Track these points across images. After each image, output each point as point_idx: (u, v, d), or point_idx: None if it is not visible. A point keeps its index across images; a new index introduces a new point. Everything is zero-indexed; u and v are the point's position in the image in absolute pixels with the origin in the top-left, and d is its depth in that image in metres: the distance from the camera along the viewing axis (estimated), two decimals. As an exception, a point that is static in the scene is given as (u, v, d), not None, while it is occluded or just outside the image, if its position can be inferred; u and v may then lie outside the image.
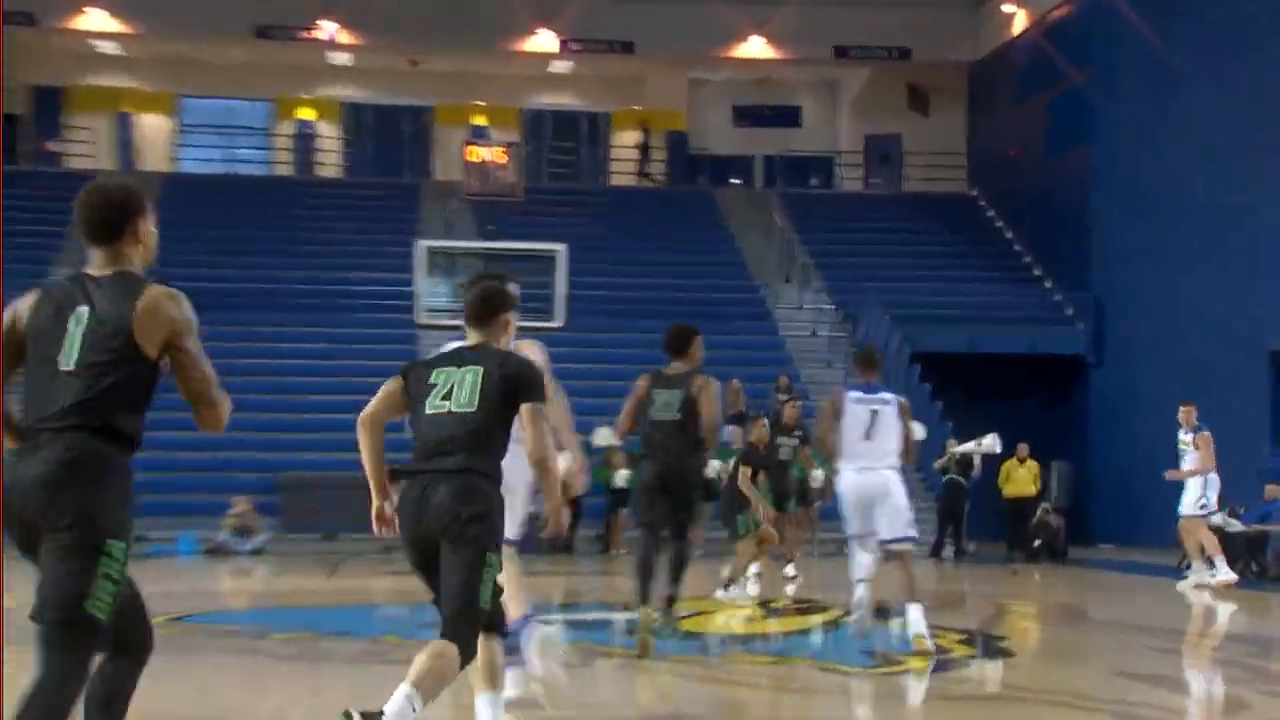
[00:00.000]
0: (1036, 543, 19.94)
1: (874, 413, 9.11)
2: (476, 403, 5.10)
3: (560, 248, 21.85)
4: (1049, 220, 27.01)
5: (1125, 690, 8.37)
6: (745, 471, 13.33)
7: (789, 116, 32.67)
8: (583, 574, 17.46)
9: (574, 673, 8.79)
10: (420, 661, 4.90)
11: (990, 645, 10.28)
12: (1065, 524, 20.46)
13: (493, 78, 31.76)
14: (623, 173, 32.37)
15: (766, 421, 14.38)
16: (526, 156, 30.26)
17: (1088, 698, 8.15)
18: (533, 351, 6.43)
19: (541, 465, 5.17)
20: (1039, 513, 20.27)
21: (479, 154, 28.20)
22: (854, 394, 9.24)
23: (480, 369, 5.17)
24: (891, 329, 24.23)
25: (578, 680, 8.57)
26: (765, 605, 12.54)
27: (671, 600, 9.25)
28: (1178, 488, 15.66)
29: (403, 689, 4.86)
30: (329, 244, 27.53)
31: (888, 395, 9.27)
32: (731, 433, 19.80)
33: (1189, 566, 15.52)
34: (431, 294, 21.77)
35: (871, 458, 9.10)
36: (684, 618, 11.04)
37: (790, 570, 14.58)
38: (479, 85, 31.91)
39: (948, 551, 20.01)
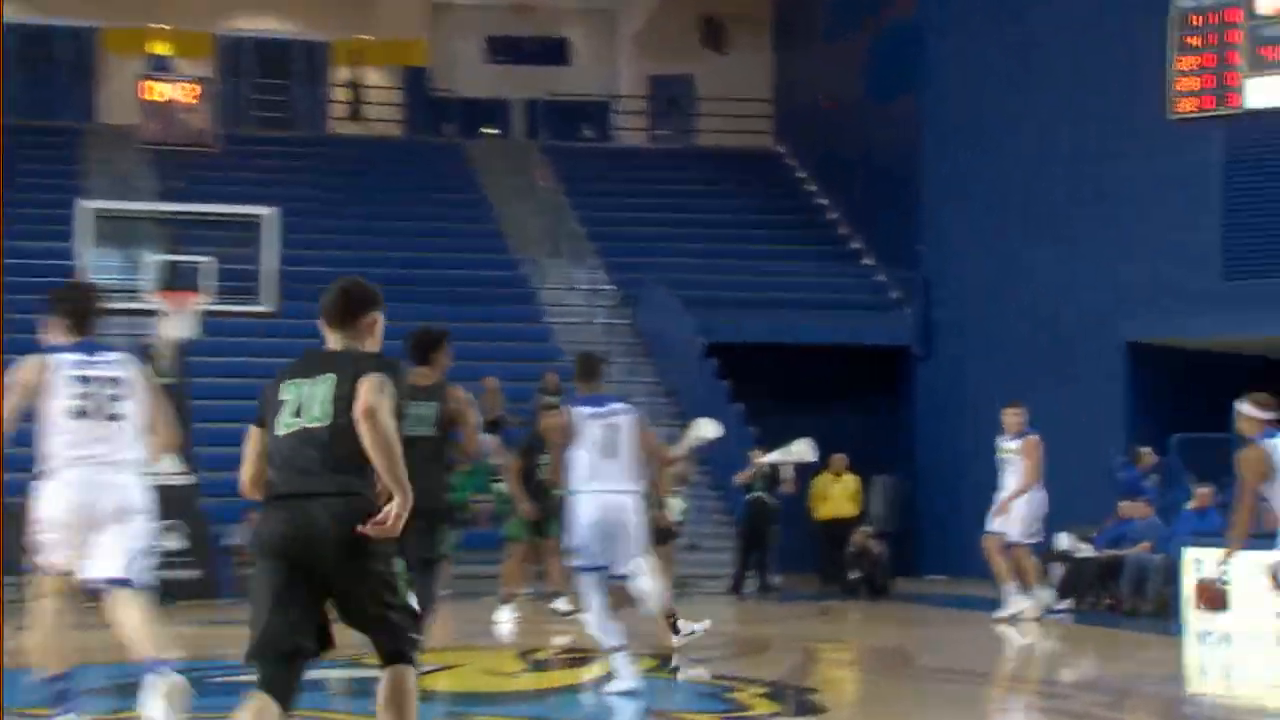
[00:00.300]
0: (854, 574, 20.47)
1: (610, 427, 9.88)
2: (330, 415, 5.64)
3: (268, 212, 21.52)
4: (870, 184, 27.73)
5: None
6: (516, 465, 13.41)
7: (555, 52, 32.79)
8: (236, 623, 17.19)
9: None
10: (389, 709, 5.67)
11: (799, 699, 10.53)
12: (888, 551, 21.06)
13: (178, -7, 31.07)
14: (349, 119, 32.04)
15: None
16: (223, 96, 29.65)
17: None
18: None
19: (370, 417, 5.55)
20: (857, 538, 20.81)
21: (160, 91, 27.53)
22: (584, 410, 9.95)
23: (333, 377, 5.68)
24: (682, 314, 24.55)
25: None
26: (527, 655, 12.58)
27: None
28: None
29: None
30: (-38, 203, 26.51)
31: (619, 406, 10.07)
32: (489, 442, 19.83)
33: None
34: (100, 267, 21.21)
35: (614, 479, 9.82)
36: (425, 673, 11.01)
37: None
38: (159, 4, 31.13)
39: (750, 586, 20.38)
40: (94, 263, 21.09)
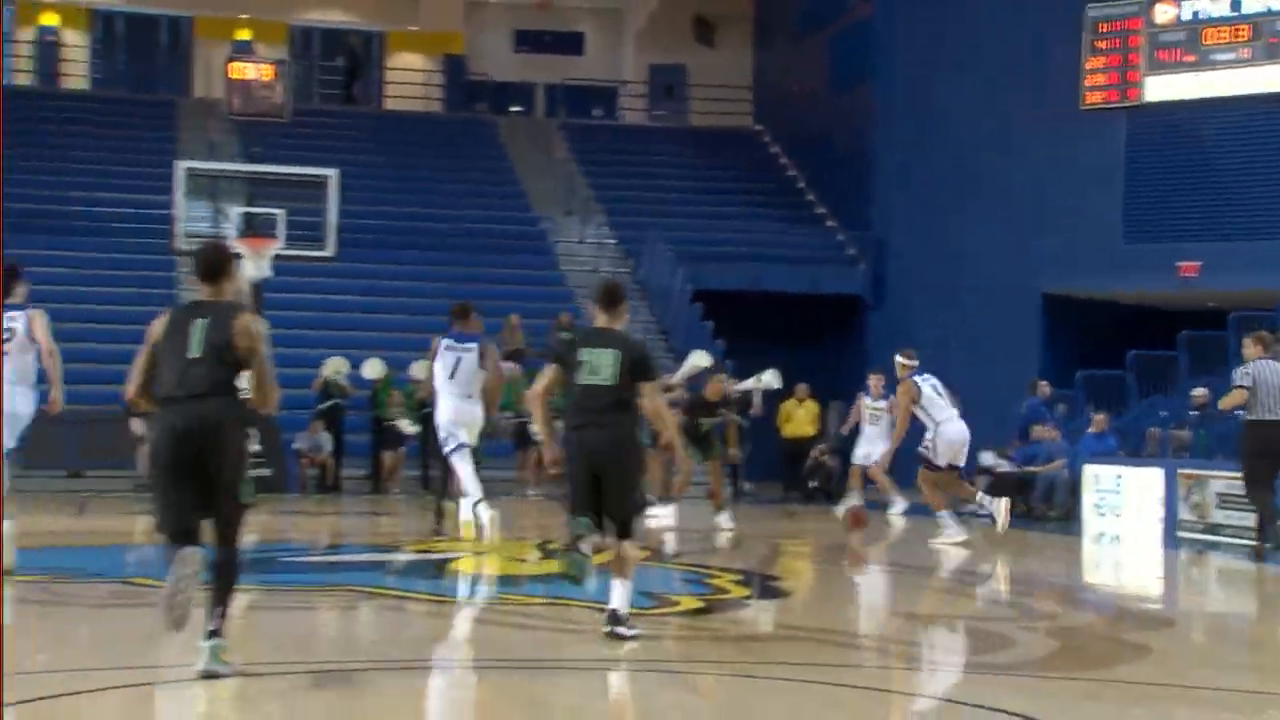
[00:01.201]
0: (812, 484, 20.51)
1: (458, 360, 11.62)
2: (615, 379, 7.24)
3: (331, 173, 21.37)
4: (832, 158, 27.64)
5: (897, 629, 8.73)
6: (538, 393, 13.82)
7: (572, 44, 32.57)
8: (351, 514, 17.27)
9: (334, 615, 8.72)
10: (615, 559, 7.25)
11: (765, 585, 10.58)
12: (841, 465, 21.09)
13: (259, -11, 30.78)
14: (398, 96, 31.83)
15: (725, 376, 14.91)
16: (295, 75, 29.43)
17: (859, 636, 8.47)
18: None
19: (656, 404, 7.43)
20: (815, 454, 20.84)
21: (243, 71, 27.31)
22: (445, 342, 11.72)
23: (617, 352, 7.27)
24: (674, 266, 24.51)
25: (336, 622, 8.51)
26: (542, 546, 12.62)
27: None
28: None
29: (616, 582, 7.17)
30: (76, 162, 26.34)
31: (472, 345, 11.73)
32: (510, 369, 19.83)
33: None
34: (191, 219, 21.08)
35: (459, 393, 11.61)
36: (453, 560, 11.06)
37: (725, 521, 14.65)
38: (243, -3, 30.87)
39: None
40: (186, 213, 20.96)
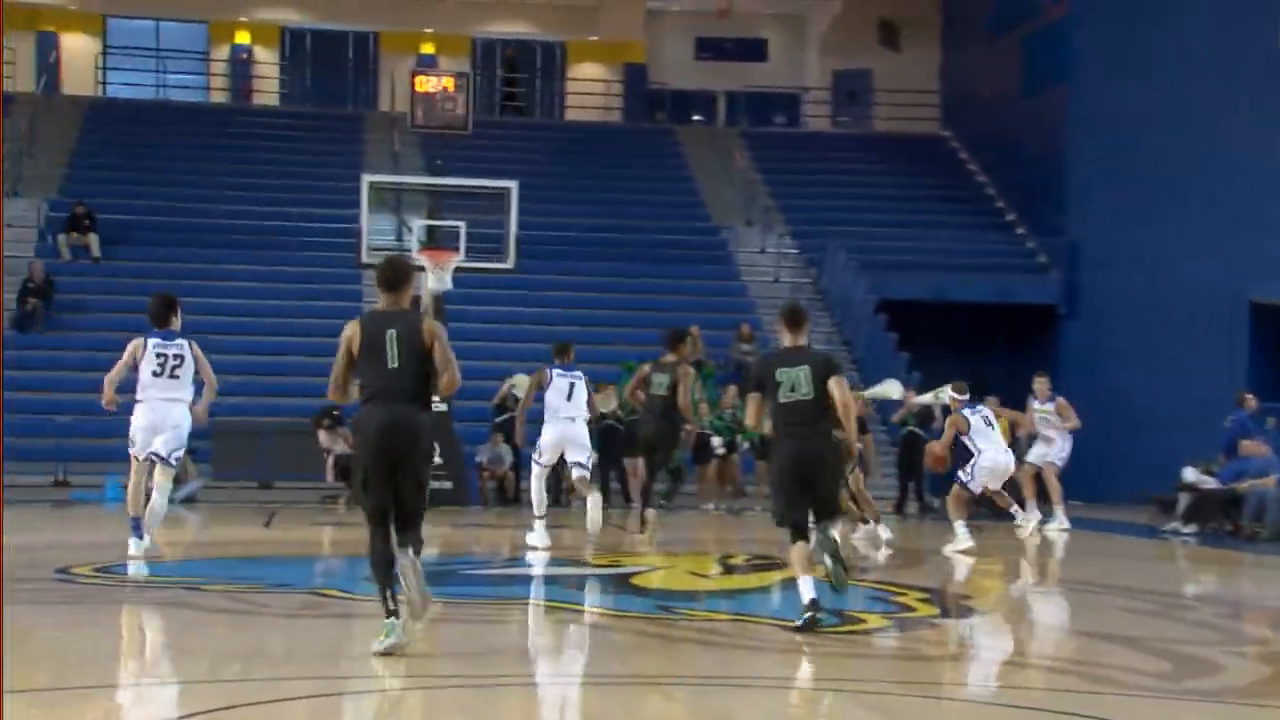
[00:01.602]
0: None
1: (571, 384, 13.01)
2: (812, 392, 8.11)
3: (511, 185, 21.65)
4: (1023, 164, 27.08)
5: (1093, 651, 8.47)
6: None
7: (754, 50, 32.55)
8: (482, 526, 17.43)
9: (516, 629, 8.81)
10: (800, 556, 8.12)
11: (954, 604, 10.38)
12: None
13: (442, 3, 31.43)
14: (579, 107, 32.18)
15: (866, 399, 15.59)
16: (477, 87, 29.97)
17: (1055, 658, 8.24)
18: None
19: (845, 400, 8.18)
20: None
21: (427, 84, 27.87)
22: (555, 371, 13.06)
23: (808, 367, 8.14)
24: (857, 275, 24.27)
25: (518, 635, 8.60)
26: (723, 561, 12.60)
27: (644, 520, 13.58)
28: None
29: (808, 579, 7.99)
30: (266, 176, 27.24)
31: (579, 372, 13.19)
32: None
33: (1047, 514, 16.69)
34: (375, 232, 21.53)
35: (565, 415, 12.94)
36: (636, 574, 11.10)
37: (884, 531, 14.68)
38: (427, 11, 31.56)
39: (911, 507, 20.12)
40: (371, 225, 21.44)
